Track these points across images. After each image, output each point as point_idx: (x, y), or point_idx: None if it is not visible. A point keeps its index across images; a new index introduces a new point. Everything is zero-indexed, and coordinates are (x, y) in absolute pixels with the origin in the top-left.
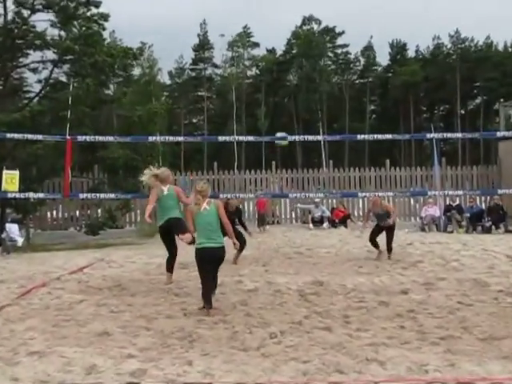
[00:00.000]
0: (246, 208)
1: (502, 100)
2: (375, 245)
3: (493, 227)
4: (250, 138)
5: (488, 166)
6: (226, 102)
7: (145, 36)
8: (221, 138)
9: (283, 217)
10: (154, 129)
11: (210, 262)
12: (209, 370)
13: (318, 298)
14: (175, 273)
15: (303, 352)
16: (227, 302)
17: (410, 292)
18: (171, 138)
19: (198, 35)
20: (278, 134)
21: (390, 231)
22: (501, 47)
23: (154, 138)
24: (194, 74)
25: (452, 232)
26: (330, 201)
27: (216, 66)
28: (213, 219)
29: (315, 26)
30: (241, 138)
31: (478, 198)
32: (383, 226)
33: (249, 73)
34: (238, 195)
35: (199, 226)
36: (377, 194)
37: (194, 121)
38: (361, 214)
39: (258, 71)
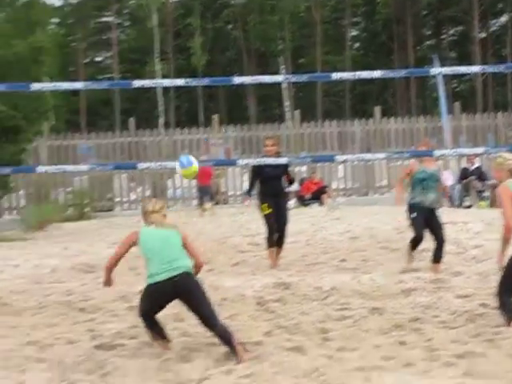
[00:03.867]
0: (177, 182)
1: None
2: (416, 244)
3: None
4: (180, 82)
5: None
6: (144, 32)
7: None
8: (138, 83)
9: (231, 193)
10: (41, 72)
11: None
12: None
13: (283, 306)
14: (78, 280)
15: None
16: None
17: (414, 293)
18: (66, 85)
19: None
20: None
21: (438, 218)
22: None
23: (40, 85)
24: None
25: (470, 206)
26: (297, 169)
27: None
28: None
29: None
30: (167, 81)
31: None
32: (432, 209)
33: None
34: (164, 164)
35: None
36: (362, 155)
37: (99, 59)
38: (340, 186)
39: None
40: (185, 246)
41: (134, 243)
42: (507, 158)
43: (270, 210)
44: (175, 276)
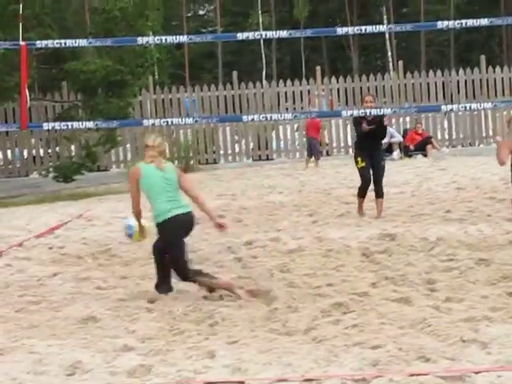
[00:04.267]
0: (281, 134)
1: None
2: None
3: None
4: (284, 34)
5: None
6: None
7: None
8: (241, 36)
9: (335, 145)
10: (145, 27)
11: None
12: (239, 363)
13: (388, 257)
14: None
15: (371, 334)
16: (261, 269)
17: None
18: (170, 39)
19: None
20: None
21: None
22: None
23: (146, 39)
24: None
25: None
26: (401, 120)
27: None
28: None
29: None
30: (270, 33)
31: None
32: None
33: None
34: (267, 116)
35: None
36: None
37: (202, 12)
38: (446, 136)
39: None
40: (182, 183)
41: (137, 179)
42: None
43: (363, 164)
44: (189, 212)
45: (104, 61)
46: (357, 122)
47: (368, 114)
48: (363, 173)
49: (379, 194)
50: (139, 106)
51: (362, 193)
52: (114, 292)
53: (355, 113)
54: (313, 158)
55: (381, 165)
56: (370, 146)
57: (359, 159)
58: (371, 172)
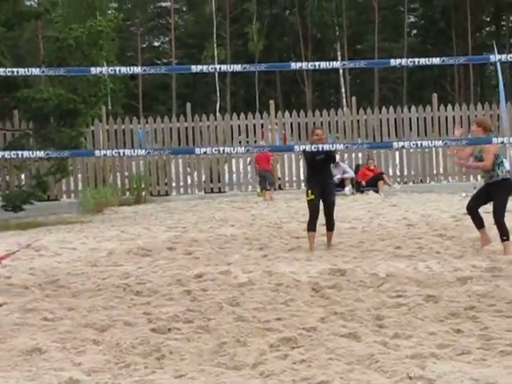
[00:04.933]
0: (233, 167)
1: None
2: (478, 221)
3: None
4: (238, 68)
5: None
6: (202, 17)
7: None
8: (195, 68)
9: (287, 179)
10: (99, 56)
11: None
12: None
13: (338, 292)
14: (134, 263)
15: (319, 369)
16: (210, 302)
17: (470, 281)
18: (124, 70)
19: None
20: None
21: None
22: None
23: (99, 69)
24: None
25: None
26: (353, 155)
27: None
28: None
29: None
30: (224, 67)
31: None
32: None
33: None
34: (220, 149)
35: None
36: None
37: (157, 44)
38: (397, 172)
39: None
40: None
41: None
42: None
43: (313, 197)
44: None
45: (57, 89)
46: (307, 154)
47: (320, 149)
48: (311, 205)
49: (329, 227)
50: (91, 136)
51: (310, 226)
52: (60, 323)
53: (308, 148)
54: (270, 191)
55: (331, 198)
56: (321, 179)
57: (309, 192)
58: (321, 205)
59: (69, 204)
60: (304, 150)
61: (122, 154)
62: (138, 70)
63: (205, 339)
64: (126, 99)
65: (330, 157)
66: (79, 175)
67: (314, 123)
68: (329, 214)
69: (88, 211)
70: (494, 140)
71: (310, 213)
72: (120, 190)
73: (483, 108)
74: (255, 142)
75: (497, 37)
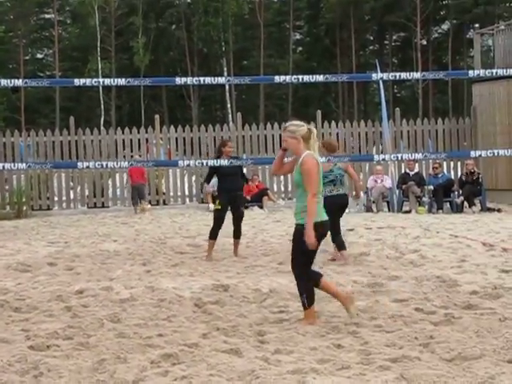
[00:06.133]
0: (117, 182)
1: (477, 26)
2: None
3: (465, 204)
4: (122, 82)
5: (459, 118)
6: (86, 30)
7: None
8: (78, 82)
9: (172, 194)
10: None
11: None
12: None
13: (221, 308)
14: (13, 279)
15: None
16: (91, 318)
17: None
18: (4, 82)
19: None
20: None
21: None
22: None
23: None
24: None
25: (409, 212)
26: None
27: None
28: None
29: None
30: (108, 80)
31: (445, 164)
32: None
33: None
34: (103, 163)
35: None
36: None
37: (40, 56)
38: (282, 188)
39: None
40: None
41: None
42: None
43: (219, 207)
44: None
45: None
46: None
47: (229, 163)
48: (217, 215)
49: (236, 234)
50: None
51: (212, 235)
52: None
53: (192, 163)
54: (143, 205)
55: (240, 211)
56: (230, 190)
57: (217, 201)
58: (229, 215)
59: None
60: (216, 161)
61: (1, 167)
62: (19, 82)
63: (84, 356)
64: (8, 112)
65: (240, 169)
66: None
67: (200, 138)
68: (237, 224)
69: None
70: (376, 157)
71: (214, 222)
72: (0, 204)
73: (366, 125)
74: (140, 156)
75: (380, 55)
